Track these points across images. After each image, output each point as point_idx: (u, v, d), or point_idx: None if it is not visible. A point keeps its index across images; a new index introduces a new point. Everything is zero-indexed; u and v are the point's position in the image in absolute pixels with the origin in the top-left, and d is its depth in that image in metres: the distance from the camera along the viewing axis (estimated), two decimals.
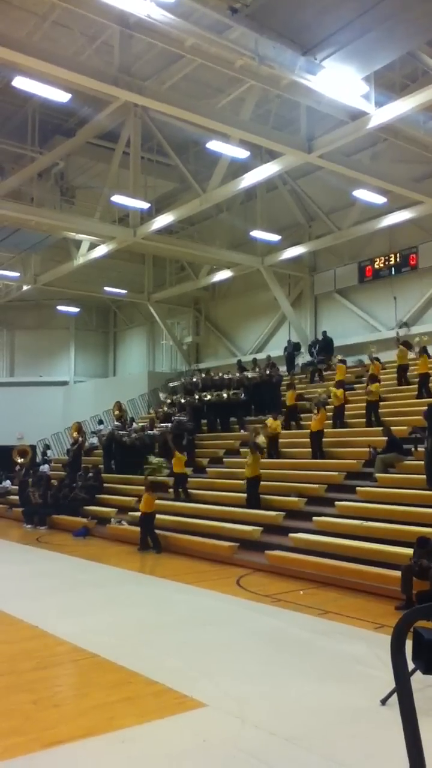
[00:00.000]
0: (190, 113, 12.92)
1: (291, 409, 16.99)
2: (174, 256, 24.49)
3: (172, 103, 12.75)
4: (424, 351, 15.36)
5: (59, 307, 28.57)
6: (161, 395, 22.63)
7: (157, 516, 13.55)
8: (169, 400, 21.67)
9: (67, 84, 12.14)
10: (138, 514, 13.78)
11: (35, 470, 21.60)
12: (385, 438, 12.99)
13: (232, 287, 25.59)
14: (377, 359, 17.06)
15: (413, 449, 12.57)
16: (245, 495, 13.49)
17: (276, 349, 22.68)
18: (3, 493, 22.47)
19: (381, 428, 13.99)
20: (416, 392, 15.24)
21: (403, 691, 1.77)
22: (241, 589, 9.51)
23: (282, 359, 21.47)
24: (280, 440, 15.73)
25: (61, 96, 12.33)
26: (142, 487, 14.21)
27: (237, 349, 25.59)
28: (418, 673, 1.80)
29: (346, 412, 15.70)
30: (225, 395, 18.81)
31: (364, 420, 15.03)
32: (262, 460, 13.98)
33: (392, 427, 13.34)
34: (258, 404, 18.75)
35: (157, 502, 13.68)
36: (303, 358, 21.56)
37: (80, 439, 22.28)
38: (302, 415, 16.73)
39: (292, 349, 21.59)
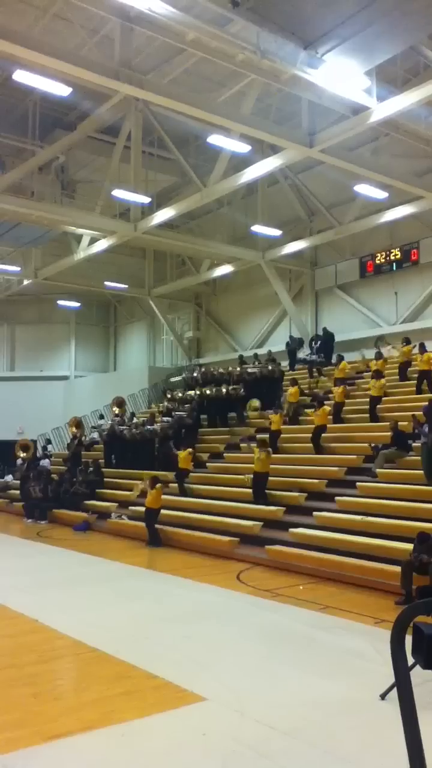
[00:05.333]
0: (191, 107, 12.88)
1: (293, 405, 16.98)
2: (175, 250, 24.46)
3: (173, 97, 12.71)
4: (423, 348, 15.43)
5: (60, 302, 28.55)
6: (168, 395, 22.43)
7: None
8: (169, 395, 21.67)
9: (67, 78, 12.08)
10: (142, 509, 13.81)
11: (36, 465, 21.64)
12: (387, 433, 12.98)
13: (233, 282, 25.56)
14: (380, 354, 17.11)
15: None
16: (249, 490, 13.48)
17: (276, 345, 22.66)
18: (4, 487, 22.50)
19: (380, 424, 14.00)
20: (415, 388, 15.28)
21: (402, 685, 1.78)
22: (242, 584, 9.52)
23: (283, 354, 21.46)
24: (281, 436, 15.73)
25: (61, 90, 12.27)
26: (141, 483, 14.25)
27: (238, 344, 25.59)
28: (418, 667, 1.80)
29: (346, 408, 15.71)
30: (225, 390, 18.82)
31: (365, 416, 15.03)
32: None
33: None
34: (258, 400, 18.74)
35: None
36: (304, 353, 21.54)
37: (79, 434, 22.32)
38: (306, 410, 16.74)
39: (295, 345, 21.57)
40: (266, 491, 13.28)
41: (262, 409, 18.07)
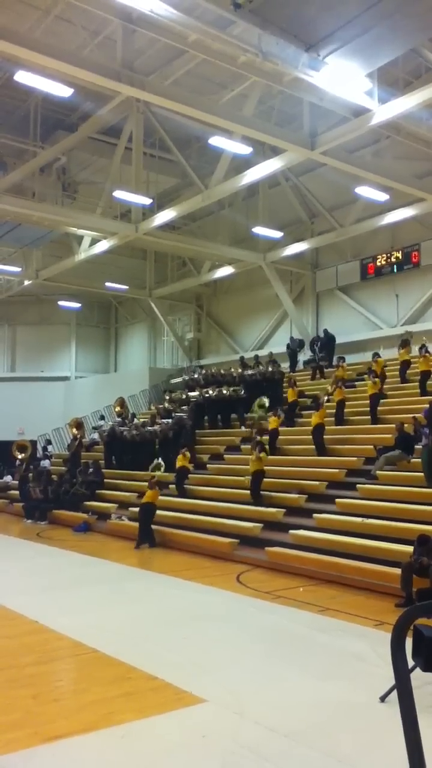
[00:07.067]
0: (193, 109, 12.89)
1: (291, 406, 17.01)
2: (176, 252, 24.46)
3: (175, 99, 12.72)
4: (425, 350, 15.39)
5: (60, 303, 28.56)
6: (168, 396, 22.47)
7: (158, 512, 13.56)
8: (169, 396, 21.69)
9: (69, 79, 12.10)
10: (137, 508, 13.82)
11: (36, 465, 21.65)
12: (387, 435, 12.97)
13: (234, 283, 25.56)
14: (377, 354, 17.13)
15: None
16: (248, 491, 13.48)
17: (277, 346, 22.67)
18: (4, 488, 22.52)
19: (381, 426, 13.99)
20: (418, 390, 15.26)
21: (402, 688, 1.77)
22: (242, 586, 9.52)
23: (284, 356, 21.46)
24: (281, 437, 15.72)
25: (63, 91, 12.29)
26: (144, 483, 14.22)
27: (238, 346, 25.59)
28: (418, 670, 1.80)
29: (347, 410, 15.69)
30: (226, 392, 18.82)
31: (366, 417, 15.02)
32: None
33: (389, 425, 13.31)
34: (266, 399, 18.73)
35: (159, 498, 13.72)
36: (305, 355, 21.56)
37: (79, 435, 22.32)
38: (303, 412, 16.74)
39: (295, 346, 21.58)
40: (263, 492, 13.26)
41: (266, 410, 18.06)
